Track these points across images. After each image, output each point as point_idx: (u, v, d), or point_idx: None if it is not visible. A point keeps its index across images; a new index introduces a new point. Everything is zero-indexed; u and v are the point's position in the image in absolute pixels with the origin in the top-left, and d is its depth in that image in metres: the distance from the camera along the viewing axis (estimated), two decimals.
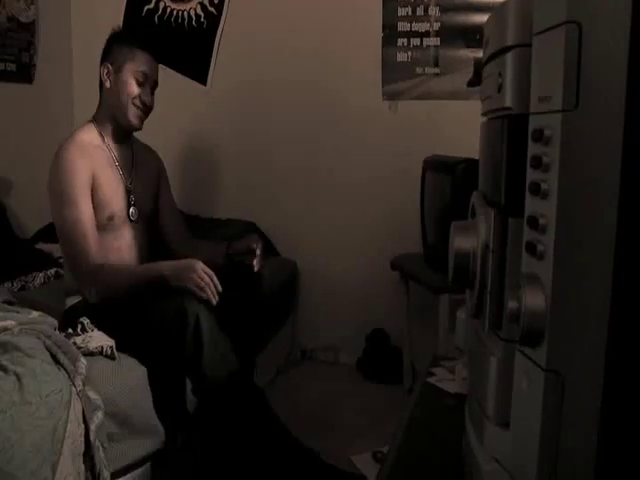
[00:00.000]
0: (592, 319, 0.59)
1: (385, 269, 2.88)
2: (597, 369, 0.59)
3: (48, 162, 2.19)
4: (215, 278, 1.98)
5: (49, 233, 3.15)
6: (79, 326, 1.95)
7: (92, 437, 1.56)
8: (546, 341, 0.60)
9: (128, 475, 1.83)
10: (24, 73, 3.37)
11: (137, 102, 2.18)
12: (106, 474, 1.58)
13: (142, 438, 1.85)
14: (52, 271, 2.81)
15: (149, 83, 2.21)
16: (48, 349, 1.64)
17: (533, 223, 0.62)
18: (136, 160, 2.34)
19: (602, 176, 0.59)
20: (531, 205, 0.64)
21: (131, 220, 2.24)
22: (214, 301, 1.96)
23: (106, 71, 2.20)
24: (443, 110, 3.04)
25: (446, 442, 0.94)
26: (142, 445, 1.85)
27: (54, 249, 2.98)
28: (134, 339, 1.96)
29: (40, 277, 2.76)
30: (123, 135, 2.26)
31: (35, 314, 1.84)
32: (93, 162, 2.12)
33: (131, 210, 2.25)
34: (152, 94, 2.24)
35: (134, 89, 2.17)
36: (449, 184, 2.45)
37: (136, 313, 2.03)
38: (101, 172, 2.14)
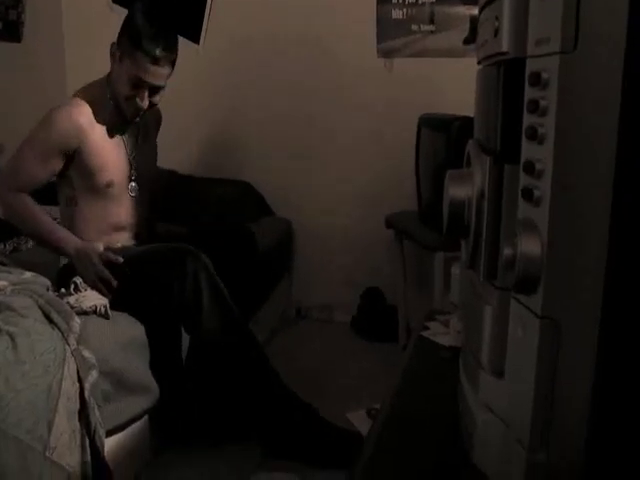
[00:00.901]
0: (588, 265, 0.58)
1: (380, 227, 2.88)
2: (593, 316, 0.59)
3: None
4: (107, 274, 2.01)
5: (41, 195, 3.13)
6: (72, 285, 1.95)
7: (87, 395, 1.57)
8: (542, 288, 0.59)
9: (123, 432, 1.84)
10: (12, 31, 3.28)
11: (129, 104, 2.08)
12: (101, 432, 1.59)
13: (137, 396, 1.86)
14: None
15: (146, 88, 2.06)
16: (41, 308, 1.64)
17: (529, 168, 0.61)
18: (142, 131, 2.29)
19: (600, 119, 0.58)
20: (527, 150, 0.63)
21: (131, 193, 2.22)
22: (108, 296, 1.96)
23: (112, 51, 2.08)
24: (438, 68, 3.01)
25: (440, 394, 0.94)
26: (137, 403, 1.86)
27: (48, 211, 2.96)
28: (131, 293, 1.97)
29: None
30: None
31: (28, 274, 1.84)
32: (80, 134, 2.06)
33: (131, 184, 2.23)
34: (153, 95, 2.10)
35: (126, 90, 2.06)
36: (444, 142, 2.43)
37: (134, 267, 2.04)
38: (95, 142, 2.10)
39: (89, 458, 1.54)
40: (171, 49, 2.06)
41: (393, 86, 3.12)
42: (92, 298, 1.92)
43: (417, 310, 2.87)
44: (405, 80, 3.09)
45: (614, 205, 0.58)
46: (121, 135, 2.19)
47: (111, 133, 2.15)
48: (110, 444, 1.74)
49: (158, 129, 2.46)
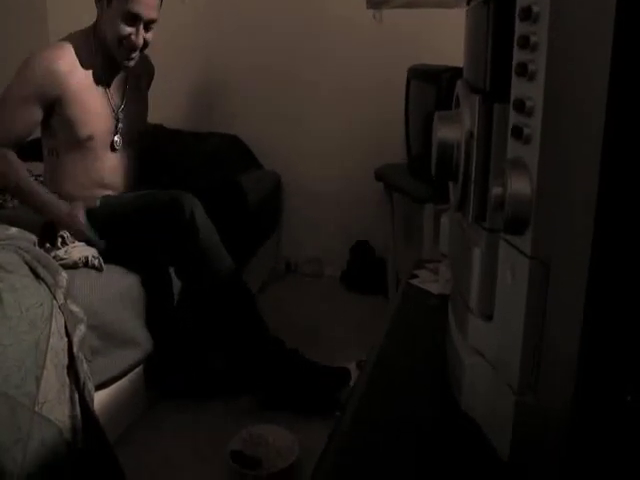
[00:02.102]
0: (579, 204, 0.57)
1: (369, 180, 2.87)
2: (583, 256, 0.57)
3: None
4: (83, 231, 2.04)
5: (26, 151, 3.09)
6: (59, 240, 1.93)
7: (75, 350, 1.57)
8: (531, 228, 0.58)
9: (115, 386, 1.85)
10: None
11: (125, 43, 2.03)
12: (90, 386, 1.60)
13: (126, 350, 1.86)
14: None
15: (142, 22, 2.02)
16: (27, 264, 1.63)
17: (519, 106, 0.59)
18: (130, 82, 2.24)
19: (592, 54, 0.56)
20: (517, 88, 0.61)
21: (114, 148, 2.19)
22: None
23: None
24: (428, 19, 2.98)
25: (428, 341, 0.94)
26: (126, 356, 1.87)
27: (32, 166, 2.92)
28: (123, 241, 1.96)
29: None
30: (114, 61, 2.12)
31: (13, 230, 1.82)
32: (63, 80, 2.02)
33: (115, 138, 2.19)
34: (148, 31, 2.06)
35: (122, 29, 2.00)
36: (434, 93, 2.41)
37: (128, 212, 2.04)
38: (77, 92, 2.05)
39: (79, 412, 1.54)
40: None
41: (382, 38, 3.08)
42: (81, 250, 1.91)
43: (406, 263, 2.87)
44: (395, 32, 3.05)
45: (605, 142, 0.56)
46: (106, 87, 2.15)
47: (97, 81, 2.11)
48: (102, 398, 1.75)
49: (150, 81, 2.42)
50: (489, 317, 0.68)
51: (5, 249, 1.66)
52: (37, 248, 1.78)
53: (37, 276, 1.60)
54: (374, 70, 3.10)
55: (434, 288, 1.09)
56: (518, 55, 0.61)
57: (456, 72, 2.29)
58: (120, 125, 2.19)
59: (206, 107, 3.46)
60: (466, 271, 0.71)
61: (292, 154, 3.34)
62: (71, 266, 1.81)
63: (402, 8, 3.03)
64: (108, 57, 2.10)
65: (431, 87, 2.43)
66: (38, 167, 2.87)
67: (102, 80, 2.13)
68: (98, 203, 2.11)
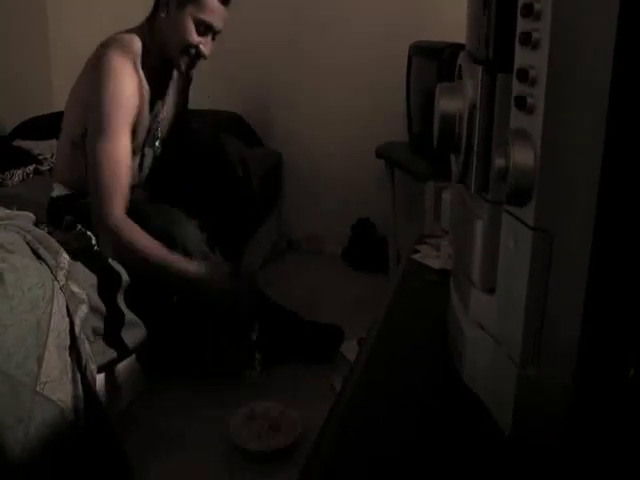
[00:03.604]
0: (582, 175, 0.56)
1: (370, 158, 2.85)
2: (586, 227, 0.57)
3: (22, 57, 2.08)
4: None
5: (27, 130, 3.08)
6: (64, 223, 1.92)
7: (77, 330, 1.56)
8: (534, 198, 0.57)
9: (114, 368, 1.85)
10: None
11: (192, 52, 1.94)
12: (92, 367, 1.59)
13: (126, 332, 1.86)
14: (31, 168, 2.77)
15: (210, 32, 1.95)
16: (29, 244, 1.62)
17: (523, 75, 0.58)
18: (171, 91, 2.17)
19: (597, 22, 0.55)
20: (521, 57, 0.60)
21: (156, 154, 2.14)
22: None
23: (164, 1, 1.92)
24: None
25: (430, 316, 0.93)
26: (127, 338, 1.86)
27: (32, 146, 2.92)
28: None
29: (19, 174, 2.71)
30: (165, 65, 2.03)
31: (14, 209, 1.81)
32: (139, 87, 1.91)
33: (156, 146, 2.14)
34: (213, 40, 1.99)
35: (193, 37, 1.91)
36: (435, 69, 2.40)
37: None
38: (142, 107, 1.96)
39: (81, 393, 1.54)
40: None
41: (384, 14, 3.05)
42: (85, 236, 1.89)
43: (407, 240, 2.87)
44: (396, 6, 3.02)
45: (610, 112, 0.56)
46: (150, 89, 2.02)
47: (147, 84, 1.99)
48: (101, 379, 1.75)
49: (190, 79, 2.35)
50: (491, 290, 0.68)
51: (6, 229, 1.65)
52: (38, 229, 1.77)
53: (38, 257, 1.59)
54: (375, 47, 3.07)
55: (436, 263, 1.09)
56: (522, 24, 0.60)
57: (458, 48, 2.26)
58: (159, 132, 2.13)
59: (207, 85, 3.44)
60: (468, 244, 0.71)
61: (293, 132, 3.32)
62: (73, 250, 1.80)
63: None
64: (161, 62, 2.00)
65: (433, 64, 2.42)
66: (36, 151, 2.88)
67: (146, 86, 2.00)
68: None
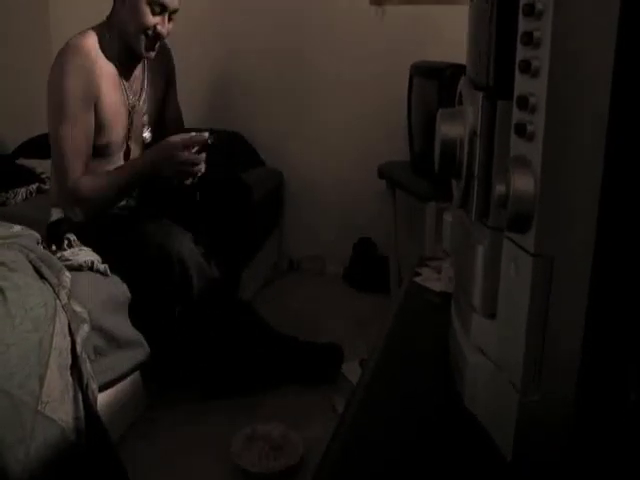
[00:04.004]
0: (582, 201, 0.57)
1: (372, 177, 2.86)
2: (586, 253, 0.57)
3: (25, 75, 2.11)
4: (192, 157, 1.95)
5: (30, 148, 3.09)
6: (65, 242, 1.93)
7: (79, 350, 1.56)
8: (534, 225, 0.57)
9: (115, 387, 1.85)
10: None
11: (150, 33, 1.99)
12: (94, 386, 1.59)
13: (128, 351, 1.86)
14: (34, 186, 2.78)
15: (167, 12, 1.99)
16: (31, 263, 1.63)
17: (523, 103, 0.59)
18: (148, 74, 2.20)
19: (596, 51, 0.56)
20: (521, 84, 0.61)
21: (145, 143, 2.16)
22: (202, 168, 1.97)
23: None
24: (431, 15, 2.96)
25: (431, 339, 0.94)
26: (128, 358, 1.87)
27: (36, 164, 2.93)
28: (120, 264, 1.94)
29: (22, 193, 2.72)
30: (133, 54, 2.07)
31: (17, 228, 1.82)
32: (98, 73, 1.97)
33: (144, 134, 2.17)
34: (170, 20, 2.03)
35: (149, 20, 1.96)
36: (436, 89, 2.41)
37: (121, 241, 2.01)
38: (107, 89, 2.01)
39: (82, 412, 1.54)
40: None
41: (385, 34, 3.07)
42: (87, 254, 1.90)
43: (409, 260, 2.87)
44: (397, 28, 3.04)
45: (609, 140, 0.56)
46: (124, 84, 2.10)
47: (116, 79, 2.07)
48: (103, 398, 1.74)
49: (172, 80, 2.38)
50: (492, 315, 0.68)
51: (9, 247, 1.66)
52: (41, 247, 1.78)
53: (41, 275, 1.60)
54: (377, 67, 3.09)
55: (437, 286, 1.09)
56: (521, 52, 0.60)
57: (459, 69, 2.29)
58: (145, 119, 2.17)
59: (209, 104, 3.46)
60: (469, 269, 0.71)
61: (294, 151, 3.33)
62: (76, 268, 1.80)
63: (404, 4, 3.03)
64: (126, 50, 2.05)
65: (434, 84, 2.43)
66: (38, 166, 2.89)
67: (119, 77, 2.08)
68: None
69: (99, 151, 2.06)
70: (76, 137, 1.96)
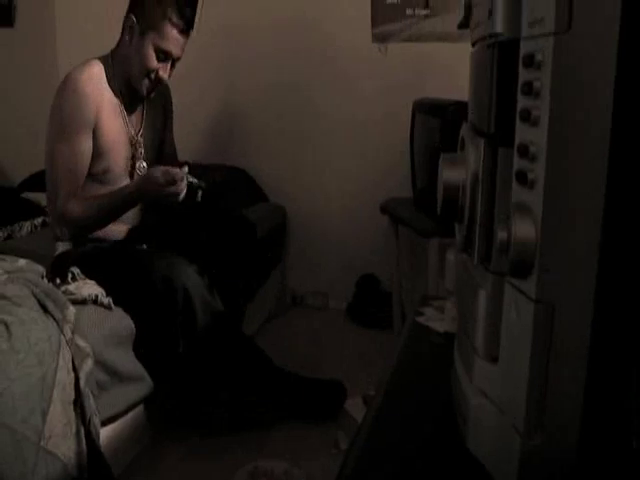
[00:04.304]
0: (582, 248, 0.58)
1: (375, 213, 2.88)
2: (587, 300, 0.58)
3: (32, 108, 2.15)
4: (177, 175, 1.97)
5: (35, 182, 3.12)
6: (69, 275, 1.94)
7: (82, 385, 1.56)
8: (536, 272, 0.58)
9: (118, 422, 1.84)
10: (4, 16, 3.26)
11: (152, 76, 2.06)
12: (96, 421, 1.59)
13: (131, 386, 1.86)
14: (39, 220, 2.80)
15: (170, 60, 2.07)
16: (36, 297, 1.63)
17: (523, 151, 0.60)
18: (147, 109, 2.25)
19: (594, 101, 0.57)
20: (521, 133, 0.62)
21: (132, 175, 2.19)
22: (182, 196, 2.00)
23: (130, 24, 2.05)
24: (433, 52, 3.00)
25: (434, 380, 0.94)
26: (131, 393, 1.86)
27: (40, 198, 2.95)
28: (124, 296, 1.95)
29: (27, 226, 2.74)
30: (135, 91, 2.13)
31: (22, 262, 1.83)
32: (101, 101, 2.03)
33: (140, 165, 2.20)
34: (172, 68, 2.11)
35: (152, 63, 2.04)
36: (439, 126, 2.43)
37: (125, 273, 2.01)
38: (107, 117, 2.06)
39: (84, 448, 1.53)
40: (193, 20, 2.10)
41: (388, 71, 3.11)
42: (92, 287, 1.91)
43: (412, 296, 2.87)
44: (400, 65, 3.09)
45: (608, 188, 0.57)
46: (126, 115, 2.15)
47: (117, 109, 2.11)
48: (105, 433, 1.74)
49: (170, 116, 2.43)
50: (495, 359, 0.69)
51: (14, 282, 1.67)
52: (45, 281, 1.79)
53: (45, 310, 1.60)
54: (379, 103, 3.13)
55: (440, 326, 1.09)
56: (522, 101, 0.62)
57: (461, 106, 2.31)
58: (142, 151, 2.20)
59: (213, 140, 3.49)
60: (472, 312, 0.72)
61: (298, 187, 3.36)
62: (80, 302, 1.81)
63: (407, 42, 3.07)
64: (128, 85, 2.11)
65: (436, 121, 2.46)
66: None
67: (121, 105, 2.14)
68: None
69: (99, 177, 2.11)
70: (70, 159, 2.01)
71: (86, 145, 2.03)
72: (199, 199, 2.07)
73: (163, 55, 2.04)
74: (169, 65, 2.09)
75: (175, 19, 2.02)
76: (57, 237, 2.13)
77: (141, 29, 2.03)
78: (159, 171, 1.98)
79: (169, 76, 2.12)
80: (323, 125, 3.27)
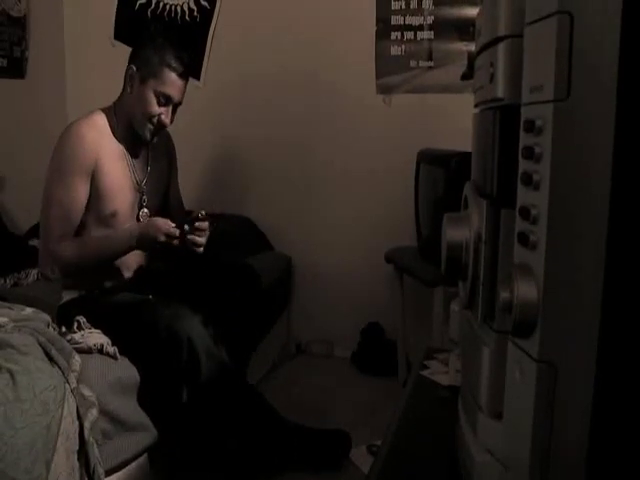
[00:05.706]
0: (584, 310, 0.59)
1: (379, 262, 2.89)
2: (590, 360, 0.59)
3: (40, 158, 2.18)
4: (176, 234, 2.01)
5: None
6: (75, 324, 1.94)
7: (86, 434, 1.56)
8: (538, 332, 0.60)
9: (122, 471, 1.83)
10: (16, 68, 3.35)
11: (154, 120, 2.11)
12: (100, 471, 1.58)
13: (135, 435, 1.85)
14: None
15: (171, 104, 2.13)
16: (42, 346, 1.64)
17: (525, 214, 0.62)
18: (152, 156, 2.30)
19: (594, 167, 0.59)
20: (523, 196, 0.64)
21: (139, 221, 2.22)
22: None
23: (130, 74, 2.12)
24: (437, 103, 3.04)
25: (439, 434, 0.94)
26: (135, 441, 1.85)
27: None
28: (129, 345, 1.95)
29: (33, 274, 2.75)
30: (139, 137, 2.18)
31: (28, 310, 1.84)
32: (101, 148, 2.07)
33: (143, 211, 2.23)
34: (174, 112, 2.17)
35: (154, 108, 2.10)
36: (443, 177, 2.45)
37: (130, 322, 2.02)
38: (108, 162, 2.09)
39: None
40: (190, 64, 2.19)
41: (392, 122, 3.15)
42: (97, 336, 1.91)
43: (417, 345, 2.87)
44: (404, 116, 3.13)
45: (609, 251, 0.59)
46: (130, 161, 2.19)
47: (122, 155, 2.16)
48: None
49: (174, 165, 2.47)
50: (498, 416, 0.69)
51: (21, 331, 1.68)
52: (51, 330, 1.79)
53: (51, 359, 1.61)
54: (384, 153, 3.16)
55: (444, 379, 1.10)
56: (523, 165, 0.64)
57: (465, 157, 2.33)
58: (145, 198, 2.23)
59: (219, 189, 3.53)
60: (475, 369, 0.73)
61: (303, 236, 3.37)
62: (85, 351, 1.81)
63: (411, 93, 3.12)
64: (132, 132, 2.15)
65: (440, 171, 2.48)
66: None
67: (126, 152, 2.18)
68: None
69: (107, 221, 2.13)
70: (64, 200, 2.04)
71: (82, 189, 2.06)
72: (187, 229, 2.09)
73: (164, 99, 2.10)
74: (170, 109, 2.13)
75: (173, 64, 2.09)
76: (46, 276, 2.14)
77: (141, 77, 2.10)
78: (161, 231, 2.01)
79: (171, 121, 2.16)
80: (328, 174, 3.30)
